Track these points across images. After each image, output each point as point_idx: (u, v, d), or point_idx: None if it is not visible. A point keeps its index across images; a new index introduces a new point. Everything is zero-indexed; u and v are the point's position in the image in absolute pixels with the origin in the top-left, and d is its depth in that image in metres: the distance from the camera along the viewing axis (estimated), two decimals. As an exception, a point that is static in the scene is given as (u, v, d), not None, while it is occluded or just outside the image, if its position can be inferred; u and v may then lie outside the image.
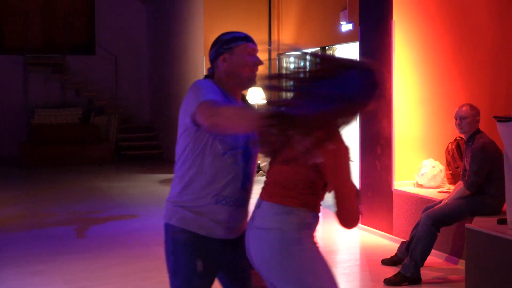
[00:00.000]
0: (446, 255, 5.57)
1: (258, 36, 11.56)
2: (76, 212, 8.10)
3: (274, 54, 11.74)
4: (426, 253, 5.00)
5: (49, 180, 11.07)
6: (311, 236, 2.54)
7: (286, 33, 11.43)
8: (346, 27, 9.36)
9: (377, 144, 6.43)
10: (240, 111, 2.43)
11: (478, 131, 5.15)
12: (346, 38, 9.50)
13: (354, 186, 2.51)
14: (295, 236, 2.47)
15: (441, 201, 5.27)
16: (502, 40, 6.70)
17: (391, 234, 6.28)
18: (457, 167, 6.06)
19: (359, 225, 6.82)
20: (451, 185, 6.11)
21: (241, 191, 2.67)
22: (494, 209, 5.04)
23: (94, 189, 10.07)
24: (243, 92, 2.84)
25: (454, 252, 5.51)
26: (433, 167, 6.14)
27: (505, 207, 4.79)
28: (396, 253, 5.50)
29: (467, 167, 5.13)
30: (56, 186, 10.41)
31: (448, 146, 6.22)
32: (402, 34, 6.25)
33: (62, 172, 11.89)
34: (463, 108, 5.17)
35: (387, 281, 4.98)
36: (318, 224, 2.59)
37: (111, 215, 7.91)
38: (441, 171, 6.14)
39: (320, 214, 2.59)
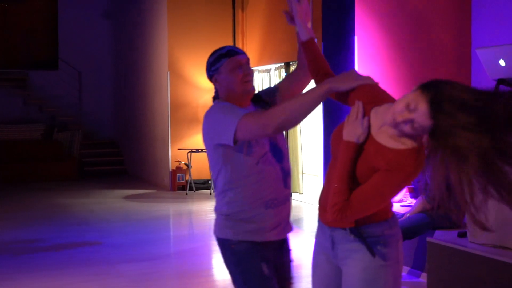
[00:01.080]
0: (409, 268, 5.62)
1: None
2: (37, 229, 7.97)
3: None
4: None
5: (10, 197, 10.89)
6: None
7: (250, 49, 11.48)
8: (311, 43, 9.43)
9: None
10: (295, 99, 2.50)
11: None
12: (310, 53, 9.57)
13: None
14: None
15: (403, 215, 5.33)
16: (461, 53, 6.85)
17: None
18: (419, 181, 6.12)
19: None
20: (413, 199, 6.18)
21: (284, 188, 2.77)
22: (455, 222, 5.12)
23: (57, 206, 9.93)
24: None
25: (417, 266, 5.56)
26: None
27: (465, 220, 4.88)
28: None
29: (428, 181, 5.18)
30: (17, 203, 10.24)
31: (410, 160, 6.28)
32: (364, 50, 6.34)
33: (25, 190, 11.70)
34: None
35: None
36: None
37: (73, 232, 7.80)
38: (403, 185, 6.20)
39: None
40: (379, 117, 2.30)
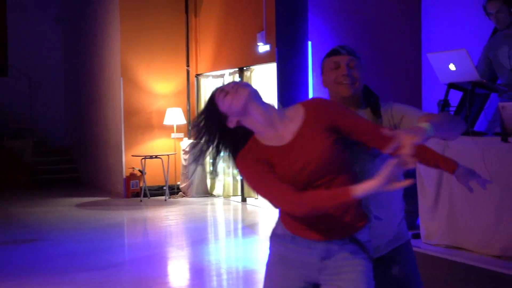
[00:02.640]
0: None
1: (176, 58, 11.57)
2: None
3: (192, 75, 11.75)
4: None
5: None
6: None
7: (204, 54, 11.46)
8: (263, 48, 9.49)
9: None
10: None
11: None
12: (264, 59, 9.63)
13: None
14: None
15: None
16: (412, 58, 7.00)
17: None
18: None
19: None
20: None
21: None
22: (408, 224, 5.19)
23: (9, 215, 9.72)
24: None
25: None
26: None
27: (419, 222, 4.97)
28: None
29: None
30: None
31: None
32: (318, 55, 6.40)
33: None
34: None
35: None
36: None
37: (26, 240, 7.65)
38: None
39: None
40: None
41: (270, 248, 2.51)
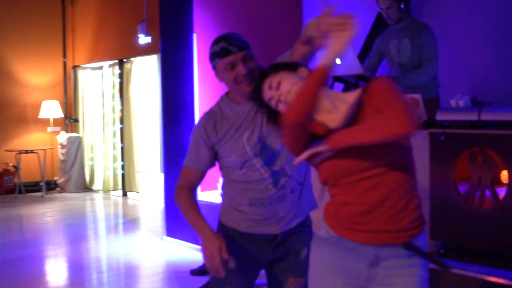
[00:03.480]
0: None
1: (52, 48, 11.13)
2: None
3: (69, 67, 11.36)
4: None
5: None
6: None
7: (82, 45, 11.12)
8: (144, 40, 9.34)
9: (181, 156, 6.47)
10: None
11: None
12: (145, 51, 9.49)
13: None
14: None
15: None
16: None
17: (198, 244, 6.35)
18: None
19: (164, 237, 6.81)
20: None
21: (274, 189, 2.59)
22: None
23: None
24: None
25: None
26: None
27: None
28: (200, 267, 5.55)
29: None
30: None
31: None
32: (204, 47, 6.38)
33: None
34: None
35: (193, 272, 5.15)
36: None
37: None
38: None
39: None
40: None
41: (312, 254, 2.26)
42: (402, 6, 4.96)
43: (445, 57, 5.20)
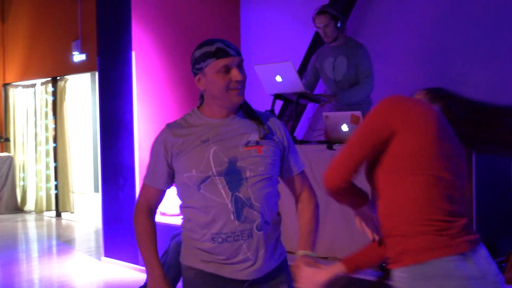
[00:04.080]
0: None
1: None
2: None
3: None
4: (178, 279, 5.07)
5: None
6: None
7: (13, 62, 10.85)
8: (79, 57, 9.21)
9: (119, 175, 6.39)
10: None
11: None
12: (79, 68, 9.35)
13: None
14: None
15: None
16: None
17: (137, 264, 6.26)
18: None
19: (102, 258, 6.69)
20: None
21: (237, 222, 2.26)
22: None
23: None
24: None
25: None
26: (176, 194, 6.28)
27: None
28: (145, 283, 5.48)
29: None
30: None
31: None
32: (143, 65, 6.35)
33: None
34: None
35: None
36: None
37: None
38: (183, 198, 6.31)
39: None
40: None
41: None
42: (338, 24, 5.09)
43: (377, 75, 5.36)
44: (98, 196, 6.93)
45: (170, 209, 6.23)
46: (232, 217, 2.27)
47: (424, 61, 6.04)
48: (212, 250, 2.31)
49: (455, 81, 5.48)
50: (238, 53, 2.29)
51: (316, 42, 6.03)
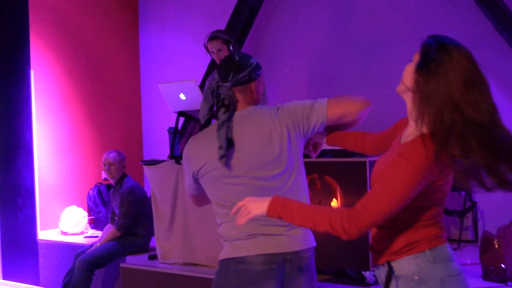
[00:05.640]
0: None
1: None
2: None
3: None
4: None
5: None
6: None
7: None
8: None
9: (18, 195, 6.28)
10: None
11: (125, 175, 5.48)
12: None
13: None
14: None
15: (92, 245, 5.42)
16: (132, 87, 7.31)
17: (39, 285, 6.18)
18: (99, 212, 6.32)
19: (0, 281, 6.52)
20: (95, 229, 6.31)
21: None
22: (143, 247, 5.42)
23: None
24: None
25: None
26: (77, 213, 6.28)
27: (152, 244, 5.22)
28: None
29: (116, 210, 5.41)
30: None
31: (89, 192, 6.44)
32: (41, 84, 6.31)
33: None
34: (111, 155, 5.44)
35: None
36: None
37: None
38: (84, 217, 6.31)
39: None
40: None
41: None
42: (231, 48, 5.14)
43: (271, 98, 5.59)
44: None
45: (71, 229, 6.21)
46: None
47: (316, 84, 6.40)
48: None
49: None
50: None
51: (215, 63, 6.23)
